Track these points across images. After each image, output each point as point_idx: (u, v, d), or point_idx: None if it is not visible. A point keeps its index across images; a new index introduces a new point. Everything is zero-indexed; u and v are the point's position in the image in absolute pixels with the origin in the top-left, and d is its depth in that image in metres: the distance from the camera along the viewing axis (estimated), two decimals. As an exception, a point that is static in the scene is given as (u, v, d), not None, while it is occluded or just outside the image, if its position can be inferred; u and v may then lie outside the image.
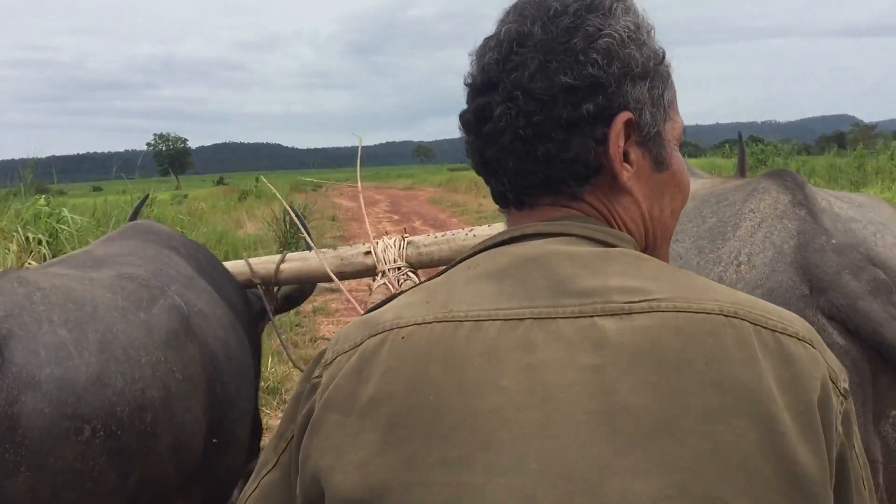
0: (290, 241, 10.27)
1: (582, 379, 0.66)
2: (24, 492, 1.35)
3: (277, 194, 4.56)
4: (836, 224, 1.69)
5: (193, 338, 1.83)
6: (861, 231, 1.69)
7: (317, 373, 0.78)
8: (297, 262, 2.96)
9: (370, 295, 2.86)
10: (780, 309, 0.72)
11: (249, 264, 2.90)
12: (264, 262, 2.94)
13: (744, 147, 3.51)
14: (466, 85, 0.85)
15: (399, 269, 2.89)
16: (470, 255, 0.83)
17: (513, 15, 0.82)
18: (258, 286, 2.85)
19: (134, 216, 3.00)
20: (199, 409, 1.78)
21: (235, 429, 2.07)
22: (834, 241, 1.61)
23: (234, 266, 2.89)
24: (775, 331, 0.68)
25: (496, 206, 0.89)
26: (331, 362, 0.77)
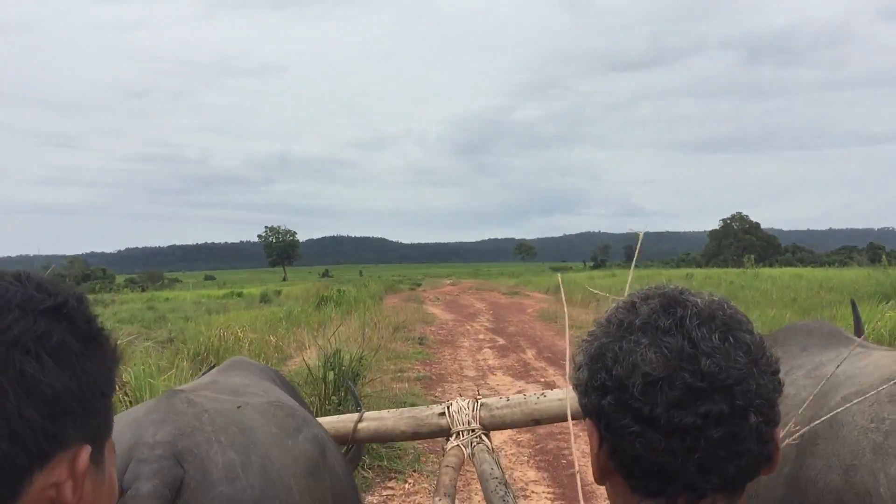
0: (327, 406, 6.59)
1: None
2: None
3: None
4: None
5: (328, 468, 1.87)
6: None
7: None
8: (374, 421, 2.98)
9: (443, 456, 2.89)
10: None
11: (328, 423, 2.93)
12: (343, 421, 3.00)
13: (857, 309, 3.25)
14: (651, 381, 0.84)
15: (472, 431, 2.90)
16: None
17: (703, 325, 0.86)
18: None
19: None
20: None
21: None
22: None
23: None
24: None
25: None
26: None
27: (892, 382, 1.89)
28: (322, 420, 2.93)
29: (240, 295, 40.64)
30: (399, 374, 10.69)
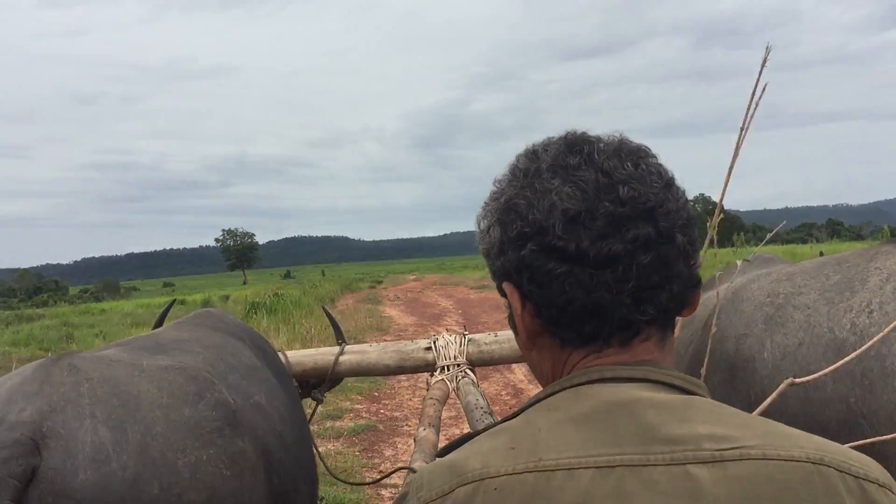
0: None
1: None
2: None
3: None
4: None
5: (243, 431, 1.74)
6: None
7: None
8: (356, 354, 2.97)
9: (427, 390, 2.90)
10: (858, 454, 0.75)
11: (308, 356, 2.94)
12: (323, 354, 2.95)
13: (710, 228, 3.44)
14: (572, 217, 0.80)
15: (458, 365, 2.88)
16: (546, 396, 0.83)
17: (613, 157, 0.83)
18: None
19: (159, 324, 2.76)
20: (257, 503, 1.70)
21: None
22: None
23: (292, 357, 2.89)
24: (858, 477, 0.72)
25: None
26: None
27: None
28: (302, 353, 2.96)
29: (183, 303, 36.90)
30: (325, 428, 7.01)
